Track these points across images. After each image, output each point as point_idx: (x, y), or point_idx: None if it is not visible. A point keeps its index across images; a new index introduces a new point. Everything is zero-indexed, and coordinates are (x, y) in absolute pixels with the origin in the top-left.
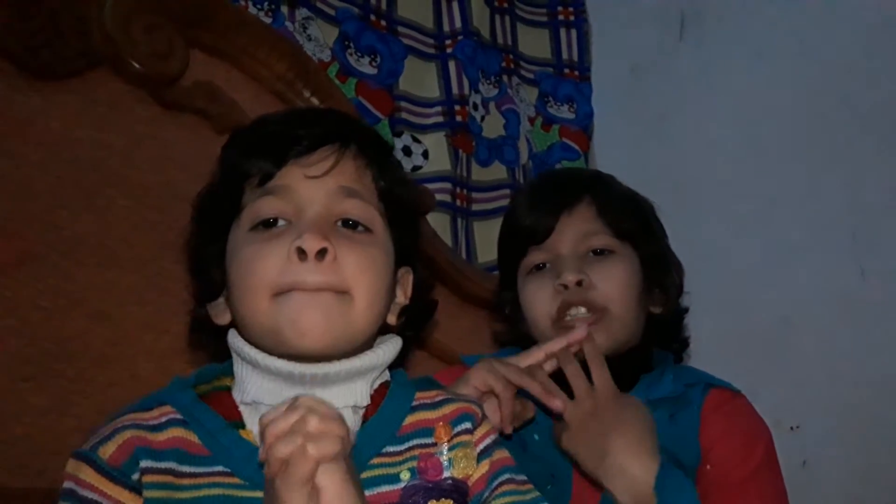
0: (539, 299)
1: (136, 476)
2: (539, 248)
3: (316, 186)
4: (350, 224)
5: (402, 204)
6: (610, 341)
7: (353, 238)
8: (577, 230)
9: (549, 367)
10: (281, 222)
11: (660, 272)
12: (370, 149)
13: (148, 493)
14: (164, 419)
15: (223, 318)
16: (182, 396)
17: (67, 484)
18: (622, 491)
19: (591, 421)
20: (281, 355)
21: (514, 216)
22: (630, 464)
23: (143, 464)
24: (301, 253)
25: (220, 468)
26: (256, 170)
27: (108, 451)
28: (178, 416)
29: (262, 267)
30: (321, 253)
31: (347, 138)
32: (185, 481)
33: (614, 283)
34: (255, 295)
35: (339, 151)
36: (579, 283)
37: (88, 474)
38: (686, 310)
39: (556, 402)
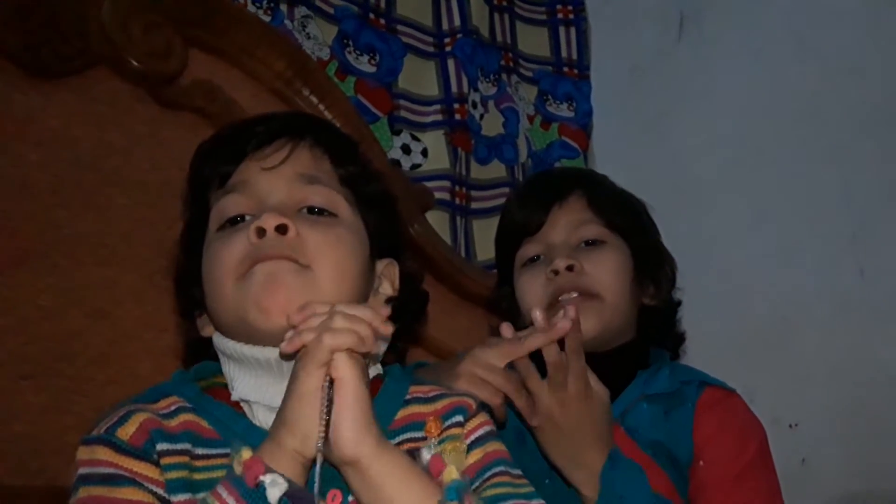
0: (531, 288)
1: (154, 457)
2: (532, 241)
3: (274, 177)
4: (315, 211)
5: (367, 188)
6: (600, 326)
7: (318, 220)
8: (568, 221)
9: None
10: (247, 218)
11: (652, 264)
12: (326, 138)
13: (168, 475)
14: (173, 407)
15: (208, 330)
16: (187, 389)
17: (82, 470)
18: (582, 483)
19: (559, 414)
20: (263, 345)
21: (508, 212)
22: (589, 457)
23: (160, 447)
24: (260, 231)
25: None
26: (215, 172)
27: (127, 432)
28: (187, 405)
29: (226, 254)
30: (281, 230)
31: (301, 130)
32: (200, 463)
33: (606, 270)
34: (221, 283)
35: (294, 142)
36: (570, 269)
37: (107, 454)
38: (679, 303)
39: (534, 422)
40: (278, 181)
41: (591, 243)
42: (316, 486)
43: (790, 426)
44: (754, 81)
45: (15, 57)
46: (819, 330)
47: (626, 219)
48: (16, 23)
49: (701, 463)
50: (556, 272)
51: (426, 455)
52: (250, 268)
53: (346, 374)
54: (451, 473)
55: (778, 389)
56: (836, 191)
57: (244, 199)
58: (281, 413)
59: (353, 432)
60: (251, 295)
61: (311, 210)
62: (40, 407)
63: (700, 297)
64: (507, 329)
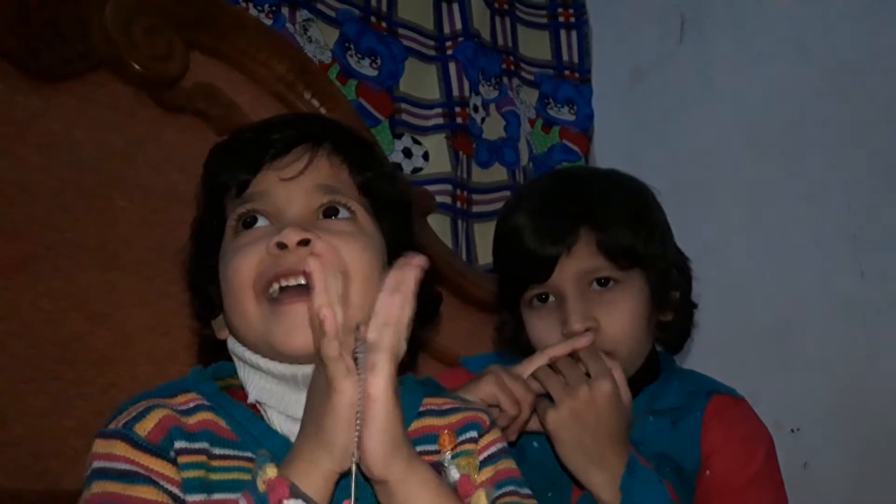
0: (545, 337)
1: (172, 454)
2: (540, 286)
3: (292, 188)
4: (333, 212)
5: (385, 195)
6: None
7: (337, 226)
8: (578, 269)
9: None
10: (261, 221)
11: (668, 285)
12: (345, 145)
13: (185, 474)
14: (192, 404)
15: (224, 333)
16: (205, 386)
17: (97, 463)
18: (601, 486)
19: (584, 411)
20: (281, 361)
21: (512, 244)
22: (609, 461)
23: (178, 444)
24: (281, 246)
25: (249, 454)
26: (233, 180)
27: (146, 428)
28: (206, 403)
29: (243, 264)
30: (303, 244)
31: (320, 137)
32: (217, 463)
33: (621, 322)
34: (240, 296)
35: (313, 150)
36: (587, 329)
37: (124, 449)
38: (695, 305)
39: (552, 424)
40: (297, 192)
41: (605, 282)
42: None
43: (792, 430)
44: (755, 84)
45: (16, 60)
46: (820, 333)
47: (638, 249)
48: (17, 26)
49: (707, 472)
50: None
51: (454, 474)
52: (270, 283)
53: (381, 390)
54: (480, 500)
55: (780, 393)
56: (837, 193)
57: (261, 207)
58: (315, 430)
59: (383, 453)
60: (279, 333)
61: (328, 212)
62: (41, 410)
63: (701, 300)
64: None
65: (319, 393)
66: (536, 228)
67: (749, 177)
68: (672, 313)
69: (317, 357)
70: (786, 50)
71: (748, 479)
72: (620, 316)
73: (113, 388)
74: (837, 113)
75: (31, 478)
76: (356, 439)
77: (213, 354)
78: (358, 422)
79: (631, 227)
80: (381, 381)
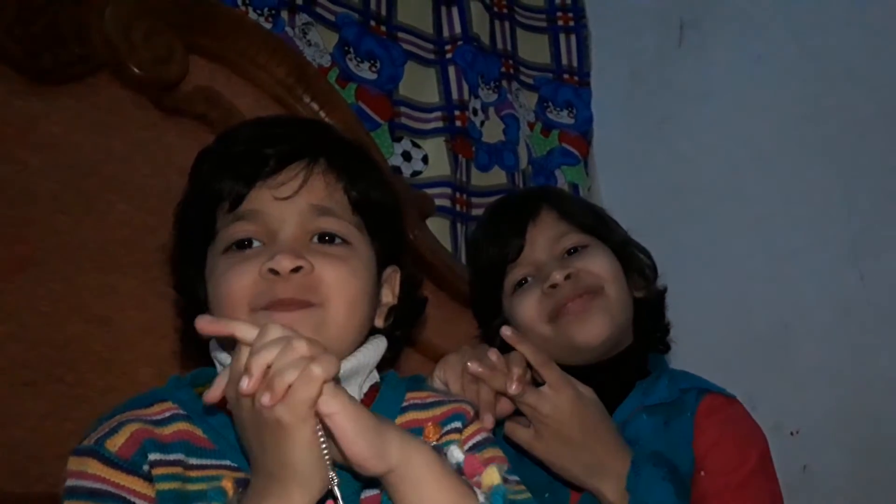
0: (529, 307)
1: (146, 468)
2: (516, 265)
3: (286, 207)
4: (326, 238)
5: (378, 210)
6: (611, 323)
7: (330, 252)
8: (546, 236)
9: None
10: (255, 243)
11: (633, 257)
12: (340, 160)
13: (160, 486)
14: (167, 414)
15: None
16: (182, 394)
17: (69, 482)
18: (609, 490)
19: (563, 427)
20: None
21: (480, 249)
22: (609, 464)
23: (152, 456)
24: (274, 273)
25: (227, 462)
26: (226, 193)
27: (116, 443)
28: (181, 412)
29: (236, 287)
30: (296, 271)
31: (316, 152)
32: (194, 473)
33: (600, 265)
34: (234, 314)
35: (308, 168)
36: (568, 277)
37: (95, 467)
38: (665, 289)
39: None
40: (291, 212)
41: (575, 251)
42: None
43: (791, 433)
44: (754, 86)
45: (16, 63)
46: (820, 336)
47: (598, 221)
48: (17, 29)
49: (702, 473)
50: (555, 285)
51: (458, 454)
52: (263, 308)
53: (341, 404)
54: (493, 477)
55: (779, 396)
56: (837, 196)
57: (254, 227)
58: (279, 468)
59: (373, 448)
60: None
61: (322, 237)
62: (40, 413)
63: (701, 303)
64: (494, 355)
65: (267, 433)
66: (504, 211)
67: (748, 180)
68: (644, 289)
69: (248, 402)
70: (785, 52)
71: (743, 479)
72: (597, 262)
73: (113, 390)
74: (837, 115)
75: (30, 480)
76: (327, 461)
77: (198, 351)
78: (323, 444)
79: (585, 207)
80: (329, 400)
